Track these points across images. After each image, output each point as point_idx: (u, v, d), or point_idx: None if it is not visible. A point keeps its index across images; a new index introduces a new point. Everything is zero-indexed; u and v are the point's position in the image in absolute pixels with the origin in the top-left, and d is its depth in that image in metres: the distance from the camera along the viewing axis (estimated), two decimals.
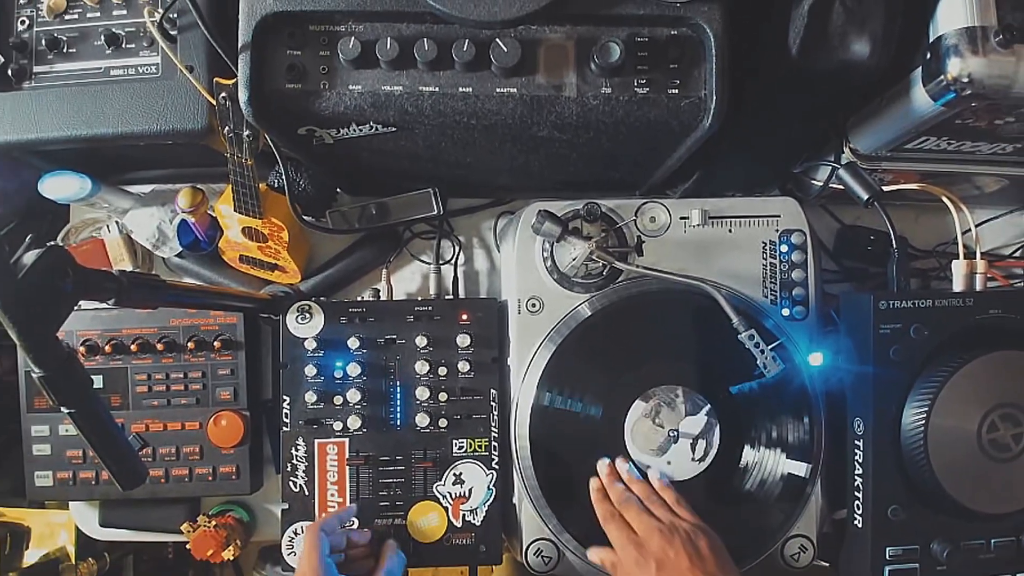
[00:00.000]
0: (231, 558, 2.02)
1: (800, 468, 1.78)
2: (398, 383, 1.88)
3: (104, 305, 1.42)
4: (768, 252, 1.85)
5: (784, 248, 1.84)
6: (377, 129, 1.59)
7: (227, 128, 1.65)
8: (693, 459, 1.77)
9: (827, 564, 1.89)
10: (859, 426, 1.71)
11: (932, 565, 1.70)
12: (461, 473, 1.87)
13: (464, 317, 1.90)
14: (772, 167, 2.00)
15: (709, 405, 1.77)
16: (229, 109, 1.62)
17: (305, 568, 1.64)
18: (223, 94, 1.60)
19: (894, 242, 1.77)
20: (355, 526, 1.84)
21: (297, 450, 1.86)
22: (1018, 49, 1.35)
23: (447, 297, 2.13)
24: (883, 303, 1.66)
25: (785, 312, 1.84)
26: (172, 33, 1.73)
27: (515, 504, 1.85)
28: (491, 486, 1.86)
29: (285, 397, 1.87)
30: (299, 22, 1.47)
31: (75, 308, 1.23)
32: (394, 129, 1.59)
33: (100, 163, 1.99)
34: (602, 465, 1.77)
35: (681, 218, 1.85)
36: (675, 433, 1.77)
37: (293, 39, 1.48)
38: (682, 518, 1.65)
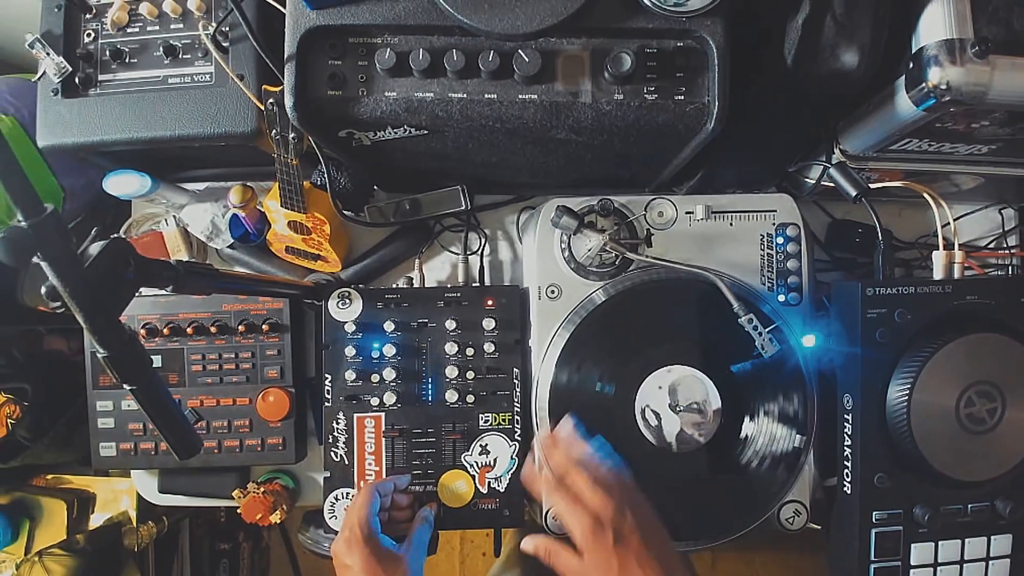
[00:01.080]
0: (278, 521, 2.03)
1: (795, 439, 1.78)
2: (429, 363, 1.89)
3: (163, 292, 1.43)
4: (766, 244, 1.85)
5: (780, 240, 1.85)
6: (410, 132, 1.59)
7: (274, 131, 1.66)
8: (698, 431, 1.77)
9: (819, 527, 1.89)
10: (848, 401, 1.71)
11: (914, 528, 1.70)
12: (487, 444, 1.88)
13: (489, 303, 1.91)
14: (769, 166, 2.00)
15: (712, 382, 1.78)
16: (276, 114, 1.63)
17: (354, 519, 1.66)
18: (271, 100, 1.61)
19: (880, 235, 1.77)
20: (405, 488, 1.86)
21: (338, 423, 1.87)
22: (993, 59, 1.36)
23: (474, 284, 2.13)
24: (870, 290, 1.67)
25: (781, 298, 1.84)
26: (224, 45, 1.74)
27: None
28: (514, 456, 1.87)
29: (327, 375, 1.88)
30: (339, 35, 1.48)
31: (136, 294, 1.23)
32: (426, 132, 1.59)
33: (159, 163, 2.00)
34: (539, 436, 1.77)
35: (686, 213, 1.85)
36: (681, 408, 1.77)
37: (334, 50, 1.49)
38: (616, 478, 1.58)
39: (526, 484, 1.77)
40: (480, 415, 1.89)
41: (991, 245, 2.20)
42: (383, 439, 1.87)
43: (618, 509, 1.51)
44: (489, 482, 1.87)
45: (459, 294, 1.92)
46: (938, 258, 1.78)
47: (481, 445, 1.88)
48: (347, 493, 1.85)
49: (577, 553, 1.52)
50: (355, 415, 1.88)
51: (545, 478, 1.63)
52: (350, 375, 1.87)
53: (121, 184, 1.97)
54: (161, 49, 1.76)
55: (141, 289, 1.25)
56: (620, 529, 1.49)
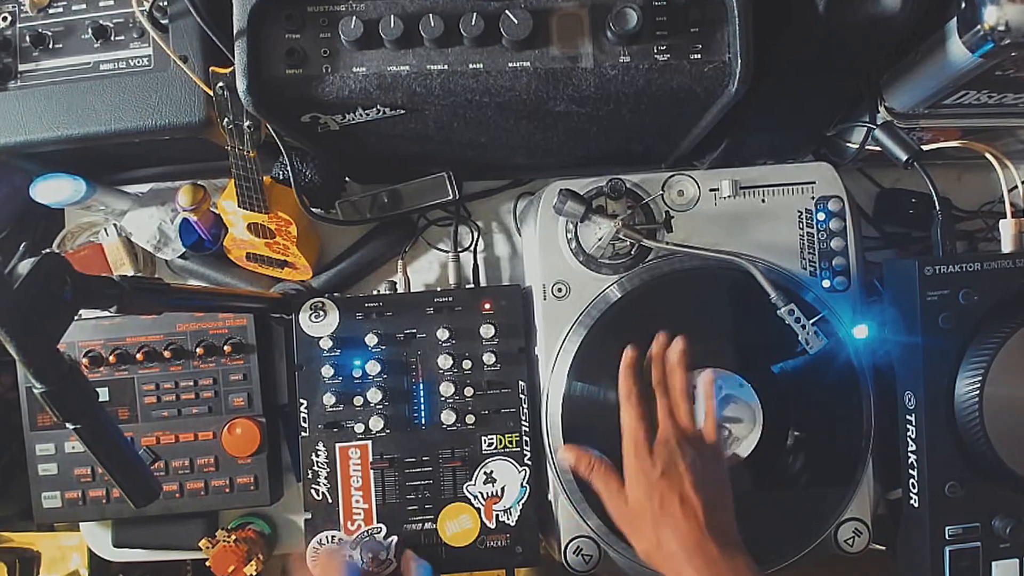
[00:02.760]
0: (254, 573, 2.03)
1: (849, 447, 1.78)
2: (421, 380, 1.89)
3: (106, 313, 1.42)
4: (804, 221, 1.85)
5: (821, 216, 1.85)
6: (385, 112, 1.59)
7: (226, 119, 1.66)
8: (736, 445, 1.77)
9: (883, 548, 1.89)
10: (910, 400, 1.71)
11: (995, 543, 1.70)
12: (492, 471, 1.87)
13: (487, 306, 1.91)
14: (804, 131, 2.00)
15: (750, 386, 1.78)
16: (227, 99, 1.63)
17: None
18: (220, 84, 1.61)
19: (937, 204, 1.77)
20: (382, 531, 1.85)
21: (317, 456, 1.87)
22: None
23: (468, 286, 2.13)
24: (929, 269, 1.67)
25: (826, 284, 1.84)
26: (163, 22, 1.73)
27: (551, 501, 1.86)
28: (524, 483, 1.87)
29: (302, 400, 1.88)
30: (297, 3, 1.48)
31: (75, 318, 1.23)
32: (403, 111, 1.59)
33: (94, 163, 2.01)
34: (661, 336, 1.74)
35: (711, 190, 1.86)
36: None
37: (291, 22, 1.48)
38: (706, 435, 1.66)
39: (621, 369, 1.72)
40: (482, 438, 1.88)
41: None
42: (371, 471, 1.87)
43: (680, 444, 1.58)
44: (497, 515, 1.87)
45: (451, 298, 1.92)
46: (1006, 227, 1.78)
47: (485, 473, 1.88)
48: (332, 536, 1.84)
49: (621, 479, 1.60)
50: (337, 445, 1.87)
51: (630, 383, 1.68)
52: (329, 399, 1.86)
53: (51, 190, 1.97)
54: (90, 31, 1.76)
55: (81, 311, 1.25)
56: (673, 465, 1.55)
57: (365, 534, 1.84)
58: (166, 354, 2.00)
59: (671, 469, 1.56)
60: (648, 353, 1.73)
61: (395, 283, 2.06)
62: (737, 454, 1.77)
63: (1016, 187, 1.78)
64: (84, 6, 1.78)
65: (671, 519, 1.52)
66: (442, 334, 1.88)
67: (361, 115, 1.60)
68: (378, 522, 1.85)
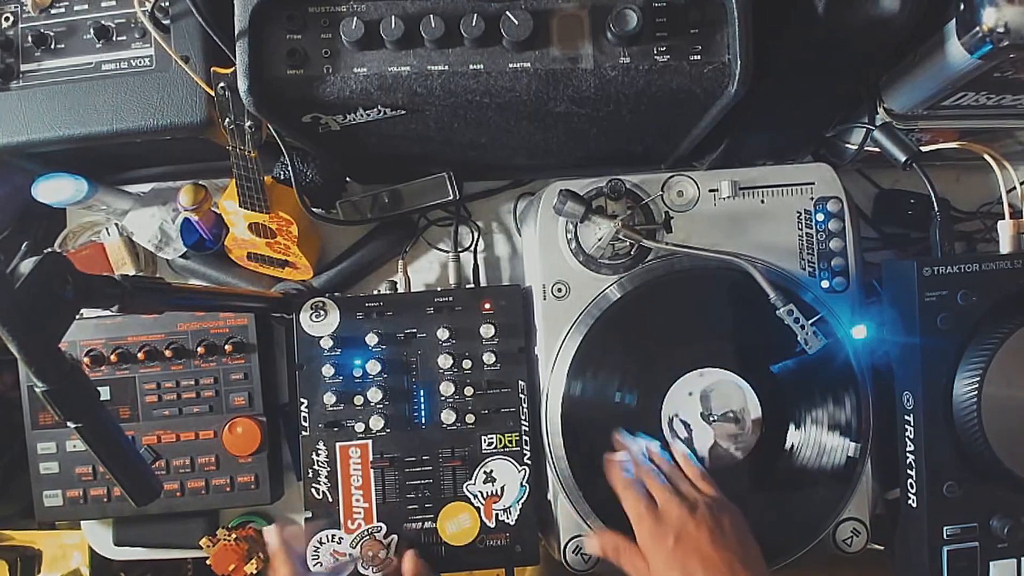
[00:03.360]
0: (254, 572, 2.03)
1: (849, 447, 1.78)
2: (421, 379, 1.89)
3: (107, 312, 1.42)
4: (804, 222, 1.85)
5: (820, 217, 1.85)
6: (385, 113, 1.59)
7: (227, 120, 1.66)
8: (734, 445, 1.78)
9: (881, 547, 1.89)
10: (908, 400, 1.71)
11: (993, 543, 1.71)
12: (492, 470, 1.87)
13: (487, 306, 1.91)
14: (803, 132, 2.00)
15: (749, 385, 1.78)
16: (229, 99, 1.62)
17: None
18: (221, 84, 1.61)
19: (936, 205, 1.77)
20: (382, 530, 1.85)
21: (318, 455, 1.87)
22: None
23: (468, 286, 2.13)
24: (927, 269, 1.67)
25: (824, 284, 1.85)
26: (165, 22, 1.73)
27: (550, 500, 1.86)
28: (524, 483, 1.87)
29: (302, 400, 1.88)
30: (298, 4, 1.48)
31: (77, 317, 1.23)
32: (403, 112, 1.59)
33: (96, 163, 2.01)
34: (619, 438, 1.77)
35: (710, 191, 1.86)
36: (715, 417, 1.78)
37: (292, 22, 1.48)
38: (705, 493, 1.66)
39: (607, 472, 1.75)
40: (482, 437, 1.88)
41: None
42: (371, 470, 1.87)
43: (685, 506, 1.59)
44: (497, 514, 1.87)
45: (451, 298, 1.92)
46: (1004, 228, 1.78)
47: (485, 472, 1.88)
48: (333, 536, 1.84)
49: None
50: (337, 444, 1.87)
51: (619, 474, 1.69)
52: (329, 398, 1.86)
53: (53, 190, 1.97)
54: (92, 31, 1.76)
55: (82, 311, 1.25)
56: (684, 530, 1.56)
57: (365, 533, 1.84)
58: (167, 353, 2.00)
59: (683, 534, 1.56)
60: (626, 450, 1.77)
61: (395, 283, 2.06)
62: (734, 455, 1.77)
63: (1014, 188, 1.78)
64: (86, 6, 1.77)
65: None
66: (442, 334, 1.88)
67: (362, 115, 1.60)
68: (378, 521, 1.85)
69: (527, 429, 1.88)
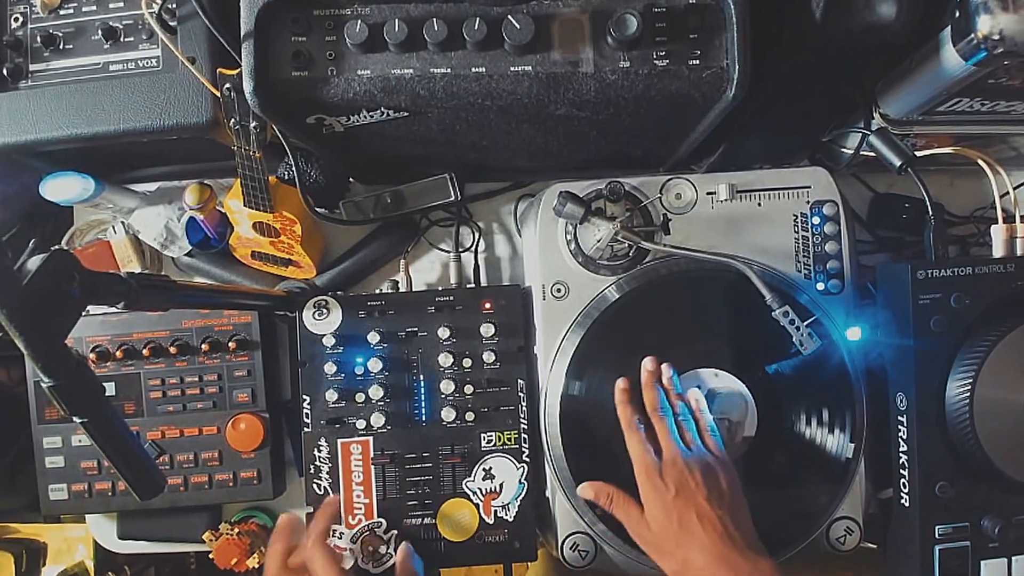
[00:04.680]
0: (256, 566, 2.03)
1: (842, 447, 1.78)
2: (421, 377, 1.89)
3: (113, 309, 1.42)
4: (800, 225, 1.85)
5: (816, 220, 1.85)
6: (388, 114, 1.59)
7: (233, 120, 1.66)
8: (731, 442, 1.78)
9: (874, 546, 1.89)
10: (902, 401, 1.71)
11: (984, 542, 1.71)
12: (491, 468, 1.87)
13: (487, 306, 1.91)
14: (800, 136, 2.00)
15: (745, 386, 1.78)
16: (234, 100, 1.62)
17: None
18: (227, 85, 1.61)
19: (930, 209, 1.77)
20: (382, 526, 1.85)
21: (320, 451, 1.87)
22: None
23: (468, 286, 2.13)
24: (921, 272, 1.67)
25: (820, 286, 1.85)
26: (172, 24, 1.73)
27: (548, 498, 1.86)
28: (522, 480, 1.87)
29: (305, 397, 1.88)
30: (303, 7, 1.48)
31: (83, 313, 1.23)
32: (406, 114, 1.59)
33: (103, 162, 2.01)
34: (648, 362, 1.77)
35: (708, 194, 1.86)
36: (712, 416, 1.78)
37: (297, 25, 1.48)
38: (709, 448, 1.68)
39: (617, 402, 1.76)
40: (482, 435, 1.88)
41: None
42: (372, 467, 1.87)
43: (688, 461, 1.61)
44: (495, 511, 1.87)
45: (452, 297, 1.92)
46: (997, 233, 1.78)
47: (484, 469, 1.88)
48: (334, 530, 1.84)
49: (640, 505, 1.63)
50: (339, 441, 1.87)
51: (628, 413, 1.71)
52: (331, 395, 1.86)
53: (61, 188, 1.97)
54: (100, 32, 1.76)
55: (89, 307, 1.25)
56: (684, 483, 1.58)
57: (366, 528, 1.84)
58: (172, 350, 2.00)
59: (684, 487, 1.58)
60: (642, 374, 1.76)
61: (397, 282, 2.06)
62: (746, 436, 1.78)
63: (1008, 193, 1.78)
64: (94, 8, 1.77)
65: (692, 536, 1.54)
66: (443, 333, 1.88)
67: (365, 117, 1.60)
68: (379, 517, 1.85)
69: (526, 427, 1.88)
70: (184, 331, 2.02)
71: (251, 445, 2.01)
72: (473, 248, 2.21)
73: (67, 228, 2.23)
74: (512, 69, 1.49)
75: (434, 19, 1.44)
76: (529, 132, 1.76)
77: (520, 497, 1.87)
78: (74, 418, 1.20)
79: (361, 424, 1.87)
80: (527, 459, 1.88)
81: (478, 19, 1.43)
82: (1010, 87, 1.55)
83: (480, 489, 1.87)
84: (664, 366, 1.77)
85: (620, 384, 1.76)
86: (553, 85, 1.50)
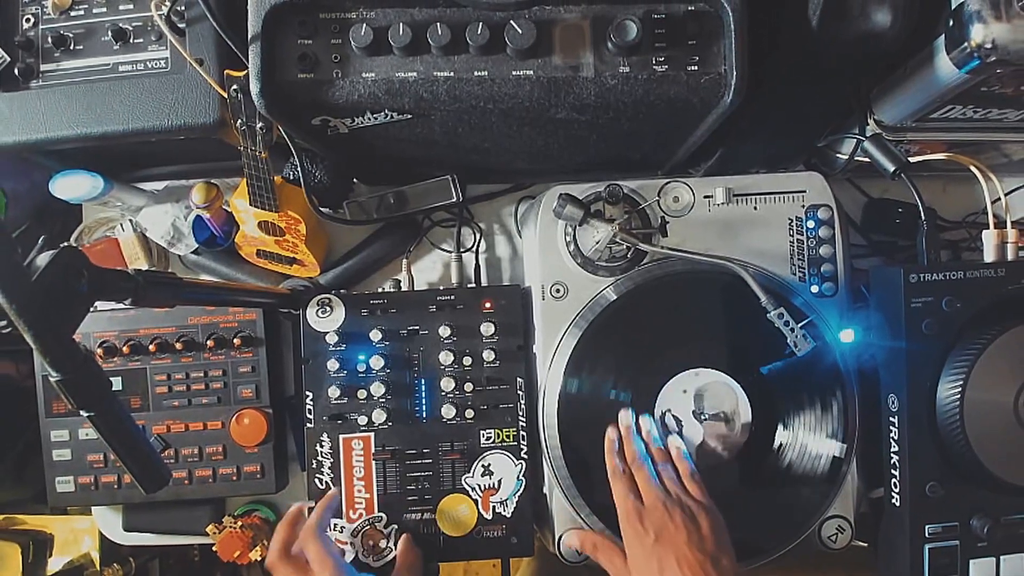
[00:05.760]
0: (259, 559, 2.03)
1: (835, 447, 1.78)
2: (422, 375, 1.89)
3: (121, 305, 1.43)
4: (795, 228, 1.85)
5: (811, 224, 1.85)
6: (392, 117, 1.59)
7: (239, 121, 1.66)
8: (722, 445, 1.78)
9: (865, 544, 1.89)
10: (893, 403, 1.71)
11: (973, 541, 1.70)
12: (490, 464, 1.88)
13: (487, 305, 1.91)
14: (796, 142, 2.00)
15: (740, 386, 1.78)
16: (241, 101, 1.63)
17: None
18: (234, 86, 1.61)
19: (923, 214, 1.77)
20: (383, 520, 1.85)
21: (322, 446, 1.87)
22: None
23: (469, 285, 2.13)
24: (914, 276, 1.67)
25: (814, 289, 1.85)
26: (180, 26, 1.73)
27: (546, 494, 1.86)
28: (520, 476, 1.87)
29: (308, 393, 1.88)
30: (309, 10, 1.48)
31: (91, 309, 1.23)
32: (410, 116, 1.59)
33: (111, 161, 2.01)
34: (624, 416, 1.78)
35: (705, 197, 1.86)
36: (707, 416, 1.78)
37: (304, 28, 1.48)
38: (691, 494, 1.67)
39: (605, 450, 1.77)
40: (481, 432, 1.88)
41: None
42: (373, 462, 1.87)
43: (668, 507, 1.60)
44: (494, 506, 1.87)
45: (453, 297, 1.92)
46: (988, 238, 1.78)
47: (483, 465, 1.88)
48: (335, 524, 1.84)
49: (623, 552, 1.63)
50: (341, 436, 1.87)
51: (613, 462, 1.71)
52: (334, 392, 1.86)
53: (70, 186, 1.97)
54: (110, 33, 1.76)
55: (96, 303, 1.25)
56: (665, 527, 1.57)
57: (366, 523, 1.84)
58: (178, 346, 2.00)
59: (663, 532, 1.58)
60: (622, 433, 1.78)
61: (399, 281, 2.06)
62: (720, 455, 1.78)
63: (999, 199, 1.78)
64: (104, 9, 1.78)
65: None
66: (444, 331, 1.88)
67: (369, 119, 1.60)
68: (379, 511, 1.85)
69: (524, 425, 1.88)
70: (190, 327, 2.02)
71: (255, 440, 2.01)
72: (474, 248, 2.21)
73: (76, 225, 2.23)
74: (514, 73, 1.49)
75: (438, 23, 1.44)
76: (530, 135, 1.76)
77: (518, 493, 1.87)
78: (81, 412, 1.20)
79: (363, 420, 1.87)
80: (525, 456, 1.88)
81: (481, 24, 1.44)
82: (1002, 95, 1.55)
83: (479, 485, 1.87)
84: (642, 418, 1.79)
85: (609, 434, 1.77)
86: (554, 89, 1.50)
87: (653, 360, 1.80)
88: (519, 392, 1.88)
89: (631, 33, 1.43)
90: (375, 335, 1.88)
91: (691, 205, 1.85)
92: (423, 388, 1.89)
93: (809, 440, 1.79)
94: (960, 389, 1.62)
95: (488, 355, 1.88)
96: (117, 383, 2.01)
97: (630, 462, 1.71)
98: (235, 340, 2.01)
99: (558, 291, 1.83)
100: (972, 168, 1.79)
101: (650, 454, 1.73)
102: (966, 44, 1.37)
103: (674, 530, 1.57)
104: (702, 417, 1.78)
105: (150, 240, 2.16)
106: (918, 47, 1.54)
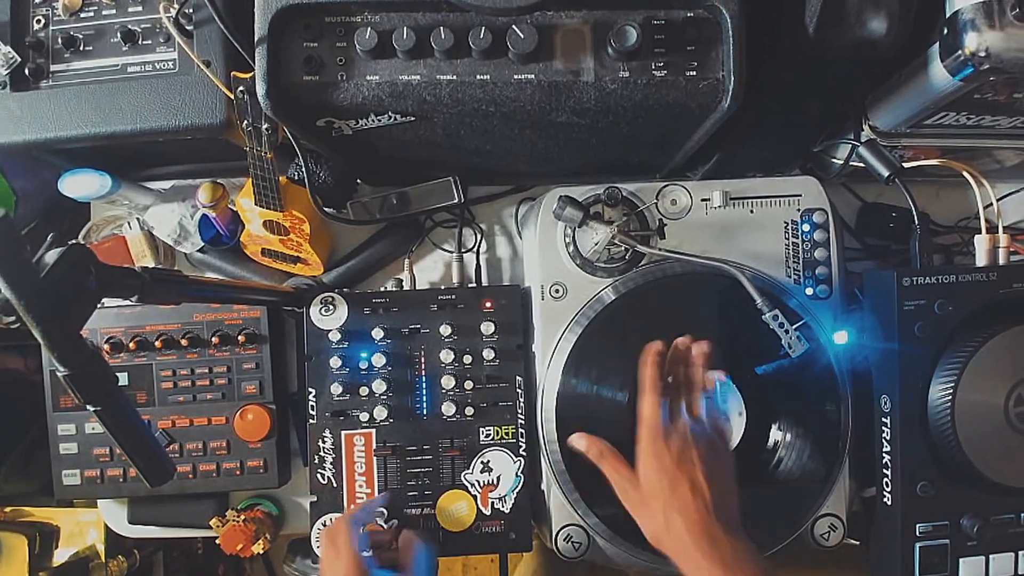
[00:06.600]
0: (261, 552, 2.03)
1: (828, 446, 1.78)
2: (423, 372, 1.89)
3: (127, 302, 1.43)
4: (790, 232, 1.85)
5: (806, 227, 1.85)
6: (396, 119, 1.59)
7: (246, 122, 1.66)
8: (725, 423, 1.78)
9: (857, 542, 1.89)
10: (886, 403, 1.72)
11: (962, 540, 1.71)
12: (489, 461, 1.88)
13: (488, 305, 1.91)
14: (792, 146, 2.00)
15: (735, 386, 1.78)
16: (247, 103, 1.62)
17: (344, 566, 1.64)
18: (241, 88, 1.61)
19: (916, 218, 1.78)
20: (384, 516, 1.85)
21: (324, 442, 1.87)
22: None
23: (470, 285, 2.13)
24: (906, 279, 1.67)
25: (809, 291, 1.84)
26: (188, 28, 1.73)
27: (543, 491, 1.86)
28: (519, 473, 1.87)
29: (311, 389, 1.88)
30: (315, 14, 1.48)
31: (98, 306, 1.23)
32: (413, 118, 1.59)
33: (119, 160, 2.01)
34: (681, 340, 1.73)
35: (702, 200, 1.86)
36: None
37: (309, 31, 1.48)
38: (714, 426, 1.65)
39: (642, 359, 1.71)
40: (480, 429, 1.89)
41: None
42: (374, 458, 1.87)
43: (695, 435, 1.59)
44: (493, 503, 1.87)
45: (454, 296, 1.92)
46: (980, 242, 1.78)
47: (483, 462, 1.88)
48: (335, 519, 1.84)
49: (631, 466, 1.60)
50: (343, 432, 1.88)
51: (652, 374, 1.66)
52: (336, 389, 1.87)
53: (79, 185, 1.97)
54: (119, 35, 1.76)
55: (104, 300, 1.25)
56: (686, 453, 1.56)
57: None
58: (183, 342, 2.01)
59: (684, 457, 1.56)
60: (672, 346, 1.72)
61: (401, 280, 2.06)
62: (741, 413, 1.78)
63: (991, 204, 1.78)
64: (114, 11, 1.77)
65: (681, 503, 1.52)
66: (445, 330, 1.88)
67: (373, 121, 1.60)
68: (380, 507, 1.85)
69: (523, 422, 1.88)
70: (195, 324, 2.03)
71: (258, 435, 2.01)
72: (475, 249, 2.21)
73: (84, 223, 2.23)
74: (515, 77, 1.49)
75: (441, 28, 1.44)
76: (531, 138, 1.76)
77: (516, 490, 1.87)
78: (88, 406, 1.20)
79: (364, 417, 1.87)
80: (524, 453, 1.88)
81: (483, 28, 1.44)
82: (995, 102, 1.55)
83: (478, 481, 1.87)
84: (704, 341, 1.72)
85: (654, 346, 1.70)
86: (555, 93, 1.50)
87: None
88: (518, 390, 1.88)
89: (631, 38, 1.43)
90: (377, 333, 1.88)
91: (689, 208, 1.85)
92: (424, 386, 1.89)
93: (803, 439, 1.79)
94: (951, 391, 1.62)
95: (488, 354, 1.89)
96: (123, 378, 2.01)
97: (674, 379, 1.70)
98: (239, 337, 2.01)
99: (557, 291, 1.83)
100: (965, 174, 1.80)
101: (694, 379, 1.71)
102: (960, 52, 1.38)
103: (695, 458, 1.55)
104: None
105: (157, 238, 2.16)
106: (913, 54, 1.54)
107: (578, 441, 1.71)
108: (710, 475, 1.54)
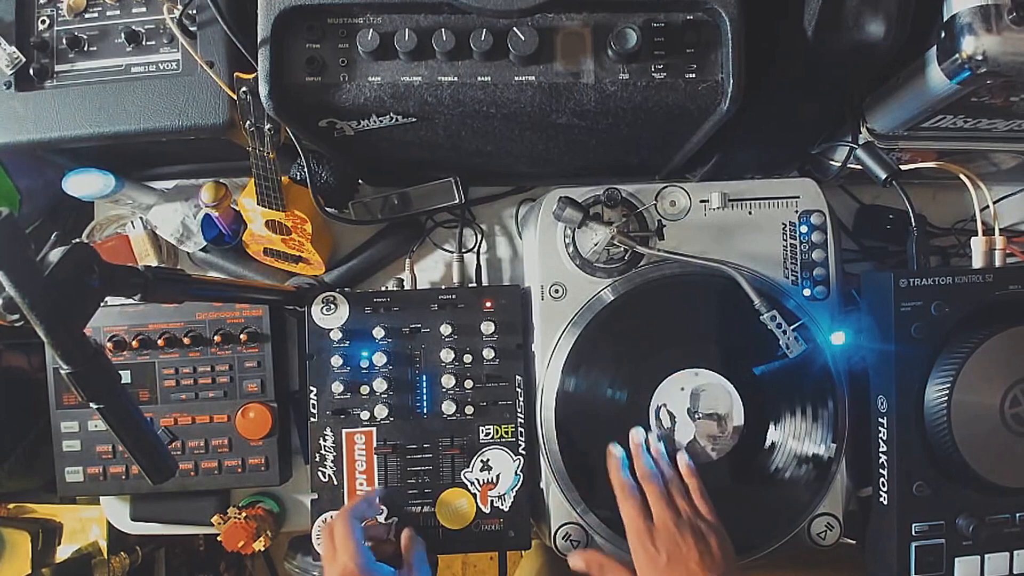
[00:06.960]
0: (262, 549, 2.03)
1: (824, 447, 1.78)
2: (424, 371, 1.89)
3: (130, 301, 1.42)
4: (788, 233, 1.85)
5: (804, 229, 1.85)
6: (397, 120, 1.59)
7: (248, 122, 1.66)
8: (712, 446, 1.78)
9: (853, 542, 1.89)
10: (882, 404, 1.71)
11: (958, 540, 1.71)
12: (488, 459, 1.88)
13: (488, 304, 1.91)
14: (790, 149, 2.00)
15: (733, 386, 1.78)
16: (250, 103, 1.63)
17: (344, 559, 1.64)
18: (244, 88, 1.61)
19: (913, 220, 1.78)
20: (383, 513, 1.85)
21: (325, 440, 1.87)
22: None
23: (470, 285, 2.13)
24: (903, 281, 1.67)
25: (806, 292, 1.84)
26: (192, 29, 1.73)
27: (543, 489, 1.86)
28: (518, 472, 1.87)
29: (312, 388, 1.88)
30: (317, 15, 1.48)
31: (101, 304, 1.24)
32: (414, 119, 1.59)
33: (123, 160, 2.01)
34: (636, 434, 1.77)
35: (701, 201, 1.85)
36: (700, 415, 1.78)
37: (312, 32, 1.48)
38: (700, 512, 1.66)
39: (608, 465, 1.76)
40: (480, 428, 1.88)
41: None
42: (375, 456, 1.87)
43: (679, 526, 1.59)
44: (492, 501, 1.87)
45: (454, 296, 1.92)
46: (977, 244, 1.78)
47: (482, 460, 1.88)
48: (336, 516, 1.84)
49: (630, 571, 1.60)
50: (344, 431, 1.87)
51: (621, 480, 1.69)
52: (337, 387, 1.86)
53: (82, 184, 1.97)
54: (123, 35, 1.76)
55: (107, 298, 1.25)
56: (675, 547, 1.56)
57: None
58: (185, 341, 2.01)
59: (675, 553, 1.56)
60: (632, 450, 1.76)
61: (402, 280, 2.06)
62: (709, 455, 1.78)
63: (988, 207, 1.78)
64: (118, 12, 1.78)
65: None
66: (445, 329, 1.88)
67: (375, 122, 1.60)
68: (380, 504, 1.85)
69: (523, 421, 1.88)
70: (197, 323, 2.03)
71: (259, 433, 2.01)
72: (475, 249, 2.21)
73: (88, 222, 2.23)
74: (516, 79, 1.49)
75: (442, 29, 1.44)
76: (531, 139, 1.77)
77: (516, 488, 1.87)
78: (91, 404, 1.20)
79: (365, 415, 1.87)
80: (523, 452, 1.88)
81: (485, 30, 1.44)
82: (992, 105, 1.55)
83: (478, 480, 1.87)
84: (651, 435, 1.78)
85: (613, 451, 1.76)
86: (555, 95, 1.50)
87: (649, 360, 1.79)
88: (518, 389, 1.88)
89: (631, 41, 1.43)
90: (378, 332, 1.88)
91: (687, 209, 1.85)
92: (424, 384, 1.89)
93: (800, 439, 1.79)
94: (948, 391, 1.62)
95: (488, 353, 1.88)
96: (126, 376, 2.02)
97: (641, 478, 1.70)
98: (241, 336, 2.01)
99: (557, 291, 1.83)
100: (962, 176, 1.79)
101: (660, 471, 1.72)
102: (957, 55, 1.38)
103: (686, 551, 1.56)
104: (696, 416, 1.78)
105: (160, 237, 2.16)
106: (910, 58, 1.54)
107: (576, 560, 1.74)
108: (704, 563, 1.56)
